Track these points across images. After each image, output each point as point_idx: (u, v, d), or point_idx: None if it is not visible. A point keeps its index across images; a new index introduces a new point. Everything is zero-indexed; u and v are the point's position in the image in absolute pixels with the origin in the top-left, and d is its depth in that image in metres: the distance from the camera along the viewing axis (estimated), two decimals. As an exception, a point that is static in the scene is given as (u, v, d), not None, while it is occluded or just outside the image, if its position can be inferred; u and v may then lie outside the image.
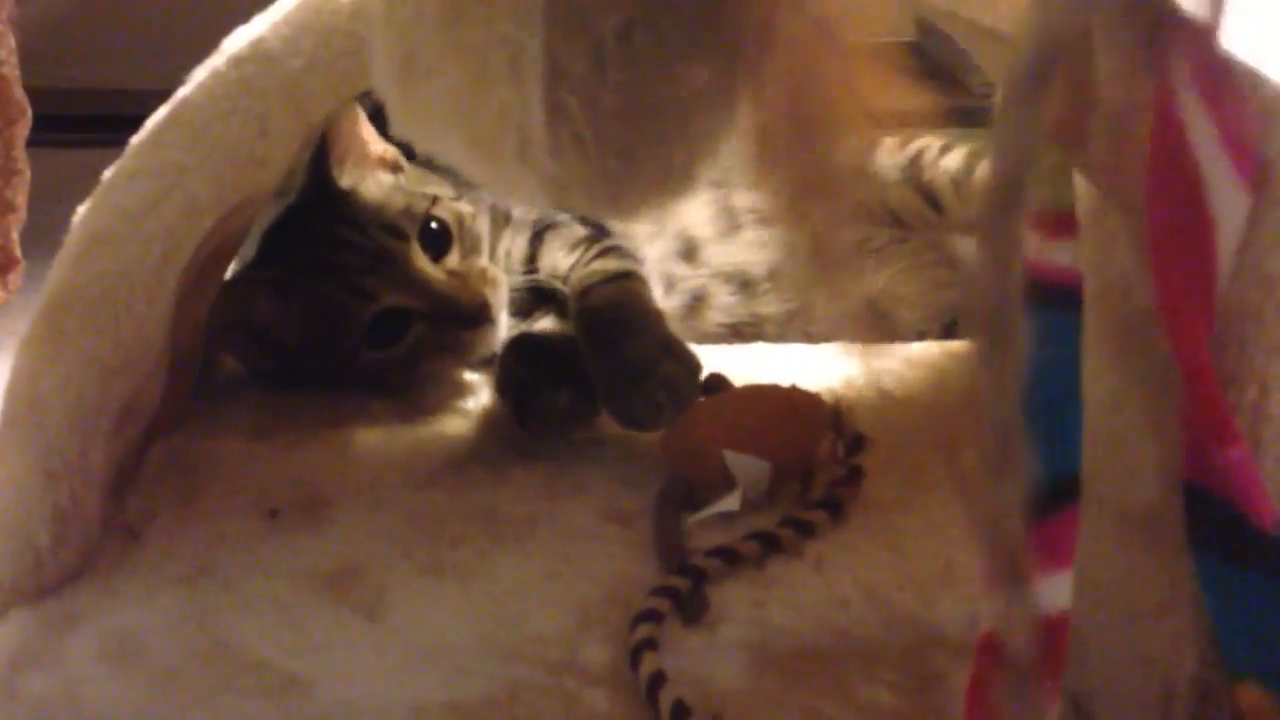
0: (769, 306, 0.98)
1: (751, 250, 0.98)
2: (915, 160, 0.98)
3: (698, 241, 0.98)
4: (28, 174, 1.13)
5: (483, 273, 0.83)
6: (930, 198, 0.97)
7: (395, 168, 0.88)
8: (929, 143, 0.99)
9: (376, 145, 0.88)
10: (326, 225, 0.80)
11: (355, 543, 0.65)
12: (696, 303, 0.96)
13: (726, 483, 0.67)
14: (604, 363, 0.75)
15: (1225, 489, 0.43)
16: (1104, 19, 0.40)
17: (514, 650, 0.56)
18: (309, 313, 0.80)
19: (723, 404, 0.73)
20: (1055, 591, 0.40)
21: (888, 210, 0.99)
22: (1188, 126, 0.41)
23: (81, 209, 0.55)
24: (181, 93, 0.53)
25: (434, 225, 0.82)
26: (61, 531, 0.58)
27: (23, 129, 1.13)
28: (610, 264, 0.87)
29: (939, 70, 1.46)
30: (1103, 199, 0.46)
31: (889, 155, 0.99)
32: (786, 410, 0.71)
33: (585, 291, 0.83)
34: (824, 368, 0.89)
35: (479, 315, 0.80)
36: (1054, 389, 0.42)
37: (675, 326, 0.90)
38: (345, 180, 0.83)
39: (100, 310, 0.55)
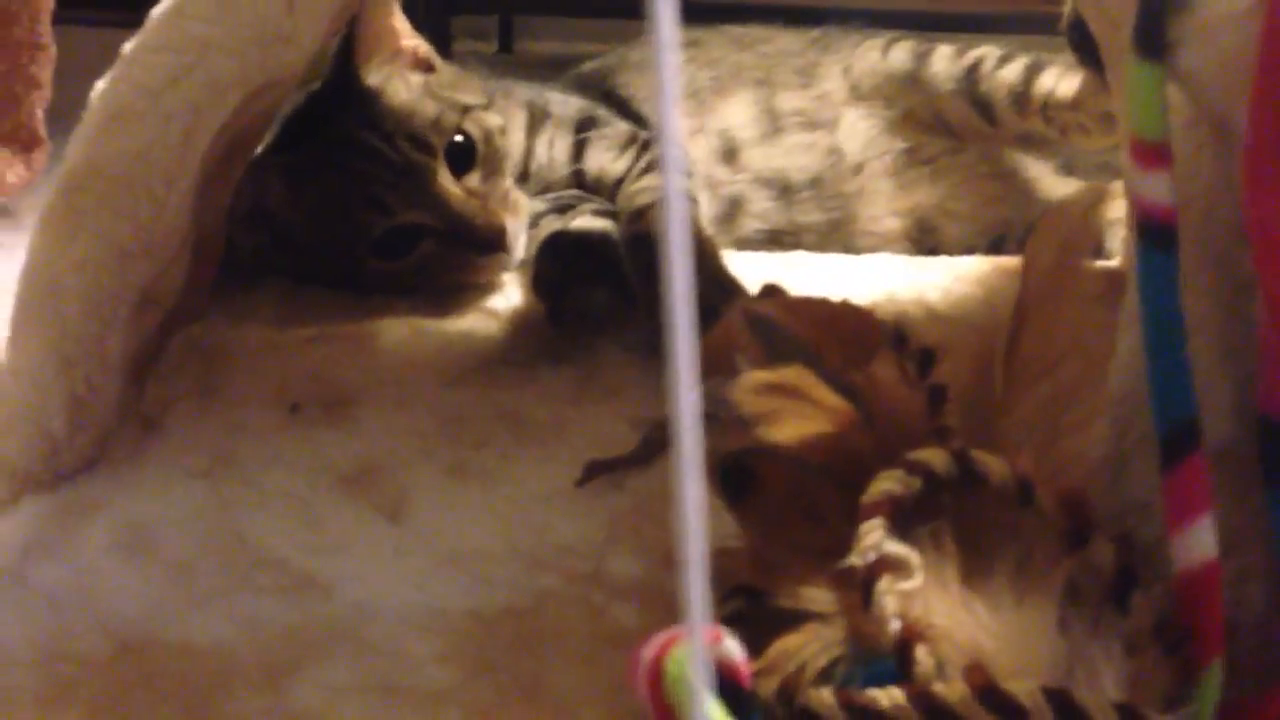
0: (810, 215, 0.95)
1: (793, 155, 0.95)
2: (973, 70, 0.94)
3: (738, 143, 0.94)
4: (53, 50, 1.09)
5: (505, 196, 0.80)
6: (985, 109, 0.94)
7: (428, 66, 0.84)
8: (988, 52, 0.95)
9: (409, 40, 0.84)
10: (349, 126, 0.77)
11: (378, 441, 0.63)
12: (734, 209, 0.93)
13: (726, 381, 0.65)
14: (656, 297, 0.73)
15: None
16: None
17: (539, 559, 0.54)
18: (320, 212, 0.78)
19: (762, 309, 0.70)
20: (1197, 541, 0.38)
21: (940, 119, 0.96)
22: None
23: (100, 84, 0.52)
24: (204, -39, 0.50)
25: (460, 138, 0.79)
26: (77, 419, 0.56)
27: (48, 2, 1.10)
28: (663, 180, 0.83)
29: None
30: (1194, 110, 0.42)
31: (946, 63, 0.95)
32: (828, 320, 0.68)
33: (638, 214, 0.80)
34: (867, 280, 0.86)
35: (494, 242, 0.78)
36: (1162, 331, 0.39)
37: (712, 231, 0.87)
38: (372, 77, 0.79)
39: (118, 191, 0.52)
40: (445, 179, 0.78)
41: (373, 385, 0.68)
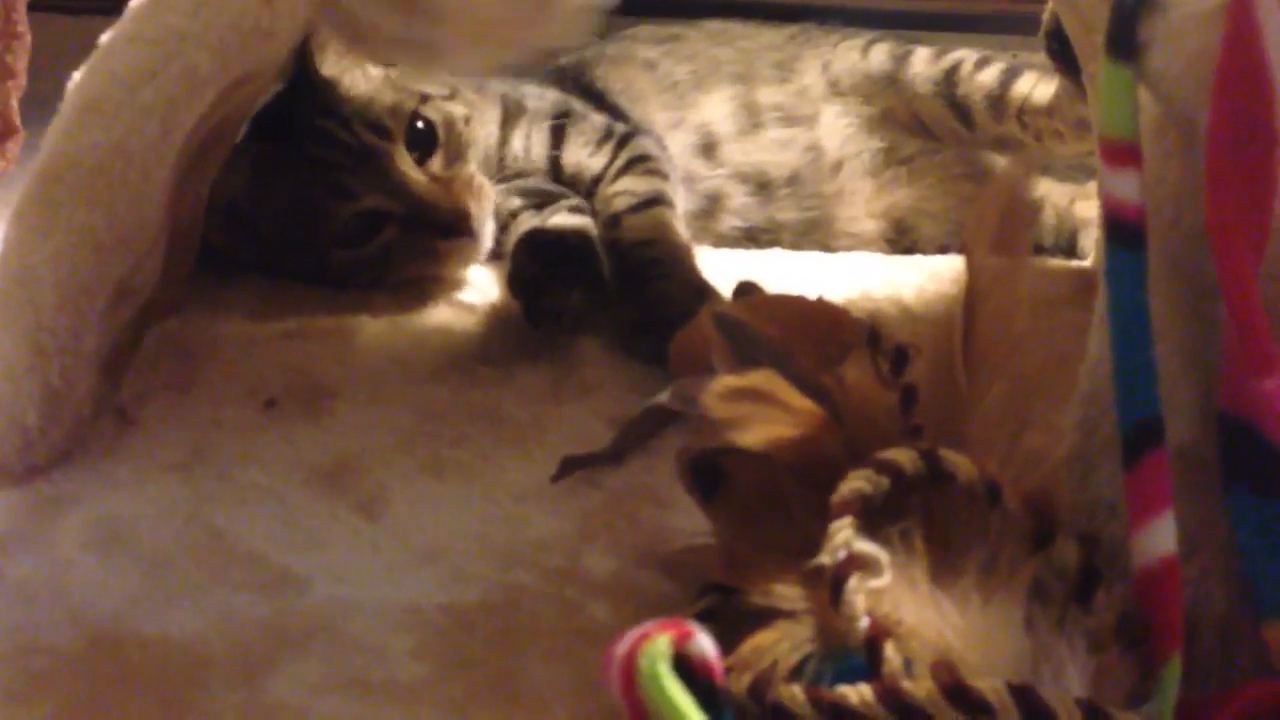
0: (788, 213, 0.95)
1: (772, 151, 0.96)
2: (951, 73, 0.95)
3: (718, 138, 0.95)
4: (28, 38, 1.08)
5: (469, 181, 0.80)
6: (963, 112, 0.95)
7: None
8: (966, 55, 0.96)
9: None
10: (309, 115, 0.78)
11: (354, 437, 0.63)
12: (713, 205, 0.94)
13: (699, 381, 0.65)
14: (633, 302, 0.74)
15: (1262, 421, 0.41)
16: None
17: (514, 555, 0.55)
18: (285, 203, 0.78)
19: (736, 308, 0.71)
20: (1157, 538, 0.39)
21: (917, 120, 0.97)
22: (1264, 35, 0.38)
23: (77, 75, 0.52)
24: (185, -46, 0.50)
25: (420, 125, 0.79)
26: (52, 411, 0.56)
27: (23, -5, 1.09)
28: (640, 184, 0.84)
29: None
30: (1163, 114, 0.43)
31: (924, 65, 0.96)
32: (801, 320, 0.68)
33: (615, 220, 0.81)
34: (842, 278, 0.86)
35: (457, 225, 0.78)
36: (1126, 329, 0.40)
37: (690, 227, 0.88)
38: (332, 68, 0.79)
39: (94, 182, 0.52)
40: (405, 163, 0.78)
41: (350, 381, 0.69)
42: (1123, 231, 0.41)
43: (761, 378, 0.46)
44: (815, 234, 0.95)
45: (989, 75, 0.94)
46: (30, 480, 0.56)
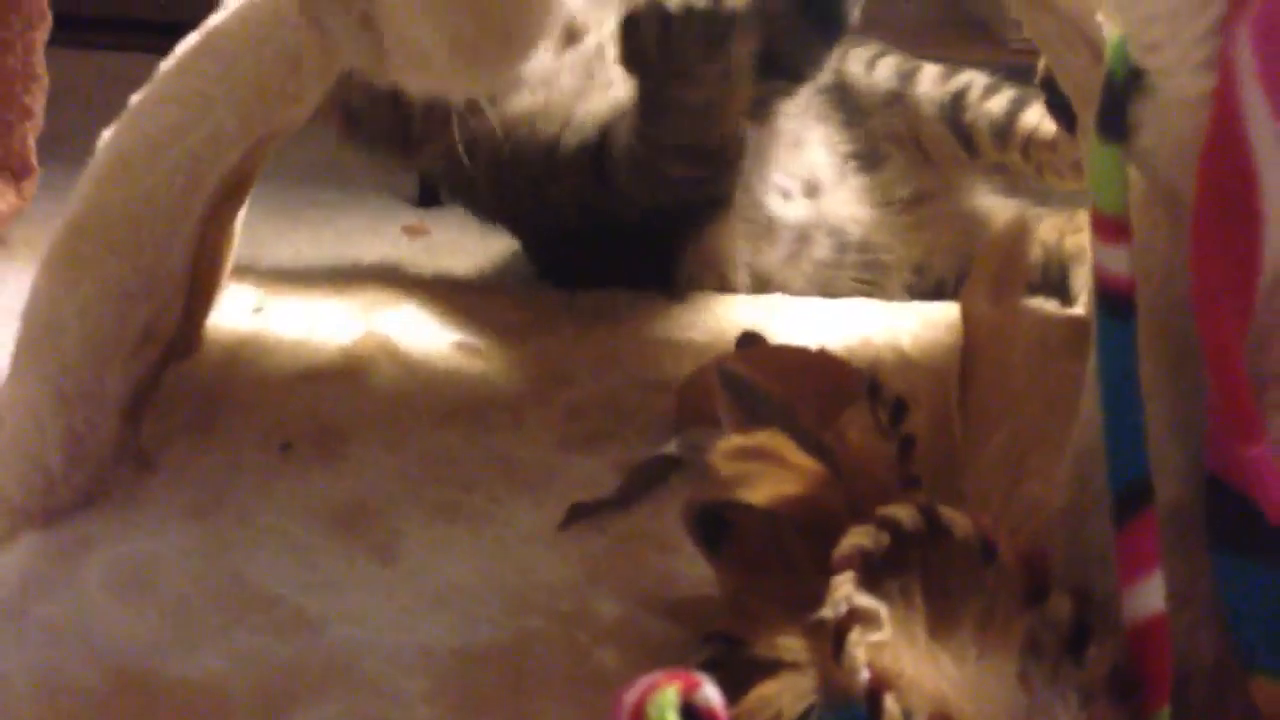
0: (847, 279, 0.95)
1: (851, 205, 0.94)
2: (959, 98, 0.94)
3: (820, 181, 0.94)
4: (46, 80, 1.11)
5: None
6: (967, 139, 0.94)
7: None
8: (974, 79, 0.95)
9: None
10: None
11: (368, 481, 0.65)
12: (800, 246, 0.93)
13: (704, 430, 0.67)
14: None
15: (1245, 485, 0.43)
16: (1171, 6, 0.39)
17: (524, 600, 0.56)
18: None
19: (738, 359, 0.73)
20: (1147, 596, 0.41)
21: (916, 141, 0.95)
22: (1248, 119, 0.40)
23: (107, 133, 0.54)
24: (214, 20, 0.52)
25: None
26: (74, 455, 0.58)
27: (43, 34, 1.12)
28: None
29: (972, 21, 1.43)
30: (1150, 186, 0.45)
31: (932, 85, 0.95)
32: (803, 372, 0.70)
33: None
34: (842, 324, 0.88)
35: None
36: (1116, 395, 0.42)
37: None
38: None
39: (122, 236, 0.54)
40: None
41: (363, 424, 0.70)
42: (1113, 303, 0.43)
43: (766, 437, 0.48)
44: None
45: (997, 103, 0.94)
46: (52, 523, 0.58)
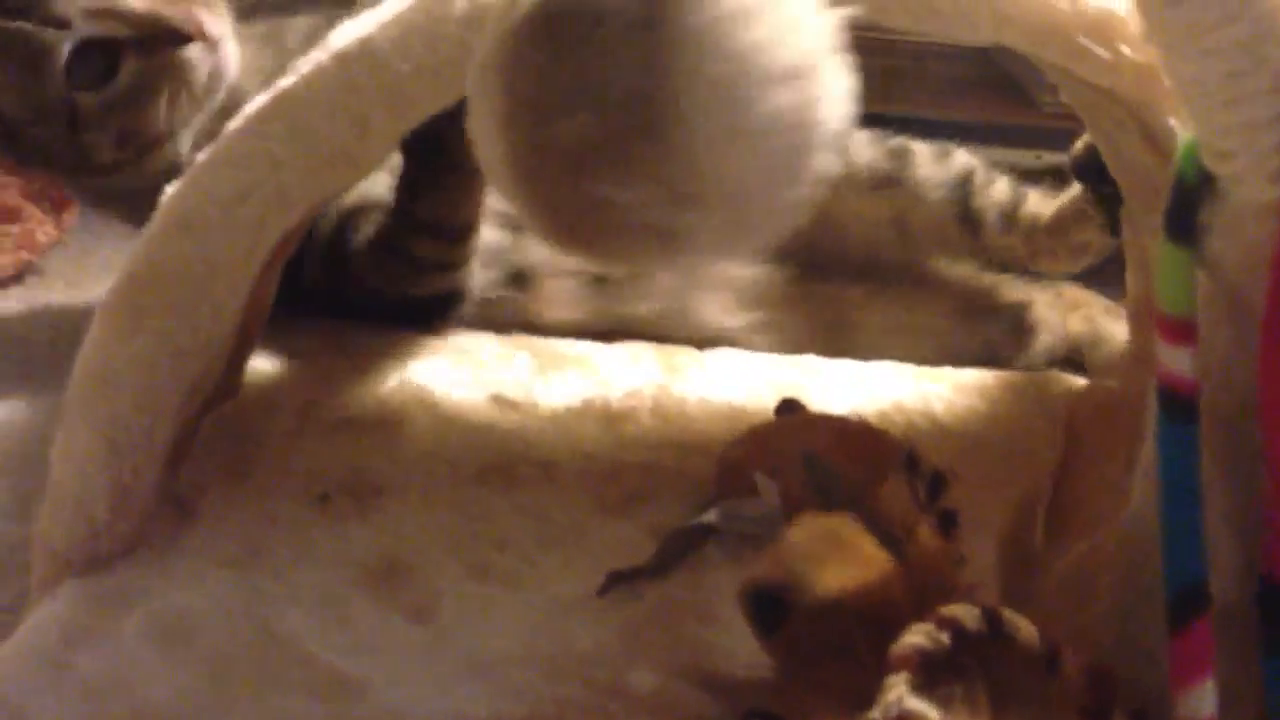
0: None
1: None
2: (964, 182, 0.94)
3: None
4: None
5: None
6: (973, 224, 0.93)
7: None
8: (970, 162, 0.95)
9: None
10: None
11: (404, 537, 0.65)
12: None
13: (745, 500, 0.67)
14: None
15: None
16: (1246, 118, 0.39)
17: (560, 668, 0.56)
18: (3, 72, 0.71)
19: (776, 428, 0.73)
20: (1200, 702, 0.41)
21: (901, 222, 0.94)
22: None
23: (170, 189, 0.55)
24: (284, 84, 0.53)
25: None
26: (120, 505, 0.58)
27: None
28: None
29: (1005, 82, 1.43)
30: (1214, 287, 0.45)
31: (932, 168, 0.94)
32: (839, 442, 0.70)
33: None
34: (873, 388, 0.88)
35: (189, 36, 0.71)
36: (1176, 497, 0.42)
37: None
38: None
39: (181, 294, 0.54)
40: None
41: (399, 477, 0.70)
42: (1176, 405, 0.43)
43: (839, 522, 0.48)
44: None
45: (1000, 190, 0.94)
46: (94, 571, 0.58)
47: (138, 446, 0.57)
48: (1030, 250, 0.93)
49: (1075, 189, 0.90)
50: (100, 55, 0.72)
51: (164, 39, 0.72)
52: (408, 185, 0.78)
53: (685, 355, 0.91)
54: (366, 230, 0.82)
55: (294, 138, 0.52)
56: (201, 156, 0.54)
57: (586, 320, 0.90)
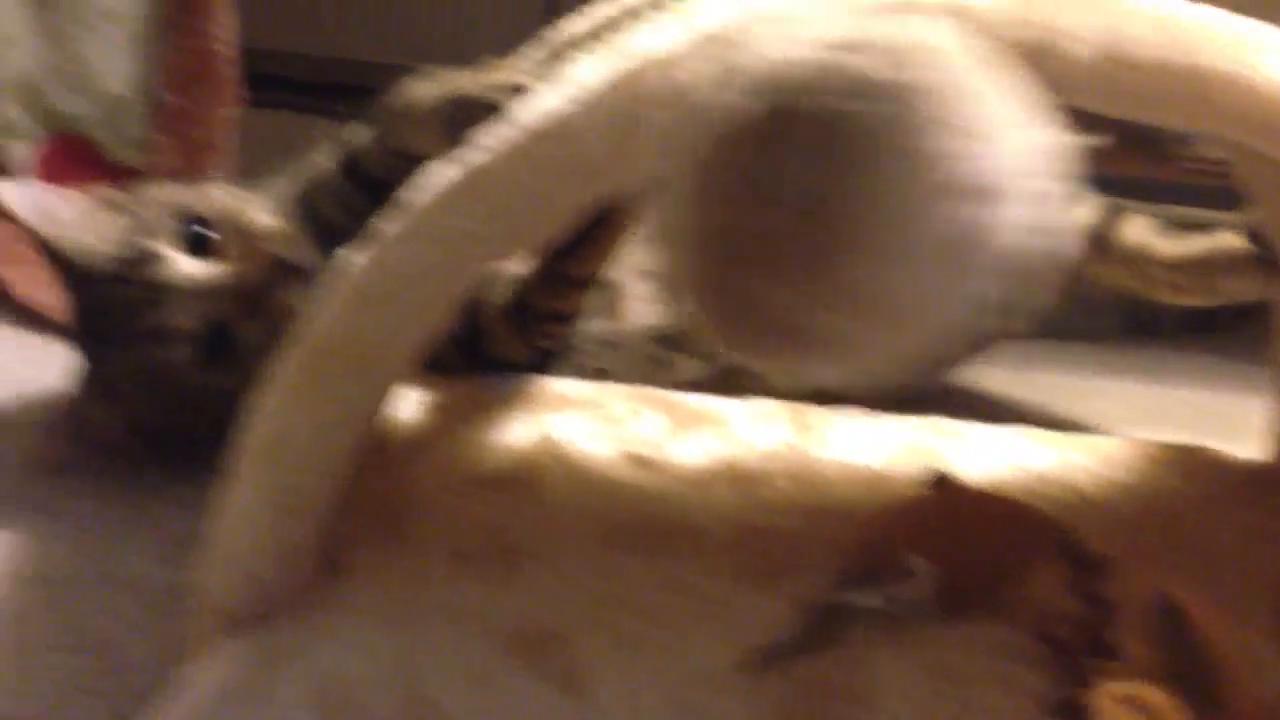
0: None
1: None
2: None
3: None
4: (234, 156, 1.15)
5: (261, 235, 0.80)
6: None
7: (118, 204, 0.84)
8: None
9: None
10: (95, 306, 0.79)
11: (548, 602, 0.65)
12: None
13: (902, 580, 0.66)
14: None
15: None
16: None
17: (716, 751, 0.55)
18: (144, 394, 0.79)
19: (929, 503, 0.72)
20: None
21: None
22: None
23: (357, 259, 0.55)
24: (473, 160, 0.53)
25: (194, 226, 0.80)
26: (286, 566, 0.59)
27: (232, 109, 1.16)
28: None
29: (1138, 136, 1.40)
30: None
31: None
32: (996, 523, 0.69)
33: None
34: (1011, 455, 0.86)
35: (280, 279, 0.78)
36: None
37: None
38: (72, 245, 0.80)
39: (363, 364, 0.55)
40: (187, 266, 0.77)
41: (539, 537, 0.70)
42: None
43: (1156, 696, 0.47)
44: None
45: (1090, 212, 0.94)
46: (255, 629, 0.59)
47: (308, 510, 0.58)
48: (1143, 279, 0.90)
49: (1228, 238, 0.89)
50: (219, 337, 0.78)
51: (258, 296, 0.78)
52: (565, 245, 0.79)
53: (817, 415, 0.90)
54: (500, 289, 0.84)
55: (485, 213, 0.53)
56: (389, 229, 0.54)
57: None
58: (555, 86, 0.54)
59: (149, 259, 0.78)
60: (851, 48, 0.39)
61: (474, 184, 0.52)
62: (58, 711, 0.62)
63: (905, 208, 0.39)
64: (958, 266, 0.40)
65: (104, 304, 0.77)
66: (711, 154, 0.41)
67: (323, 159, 0.89)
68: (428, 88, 0.73)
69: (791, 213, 0.39)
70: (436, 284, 0.53)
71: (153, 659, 0.64)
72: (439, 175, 0.54)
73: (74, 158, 1.16)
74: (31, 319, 1.04)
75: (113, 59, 1.16)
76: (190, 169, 1.17)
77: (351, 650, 0.58)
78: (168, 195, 0.83)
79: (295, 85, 1.58)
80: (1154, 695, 0.46)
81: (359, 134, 0.87)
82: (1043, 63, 0.51)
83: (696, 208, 0.41)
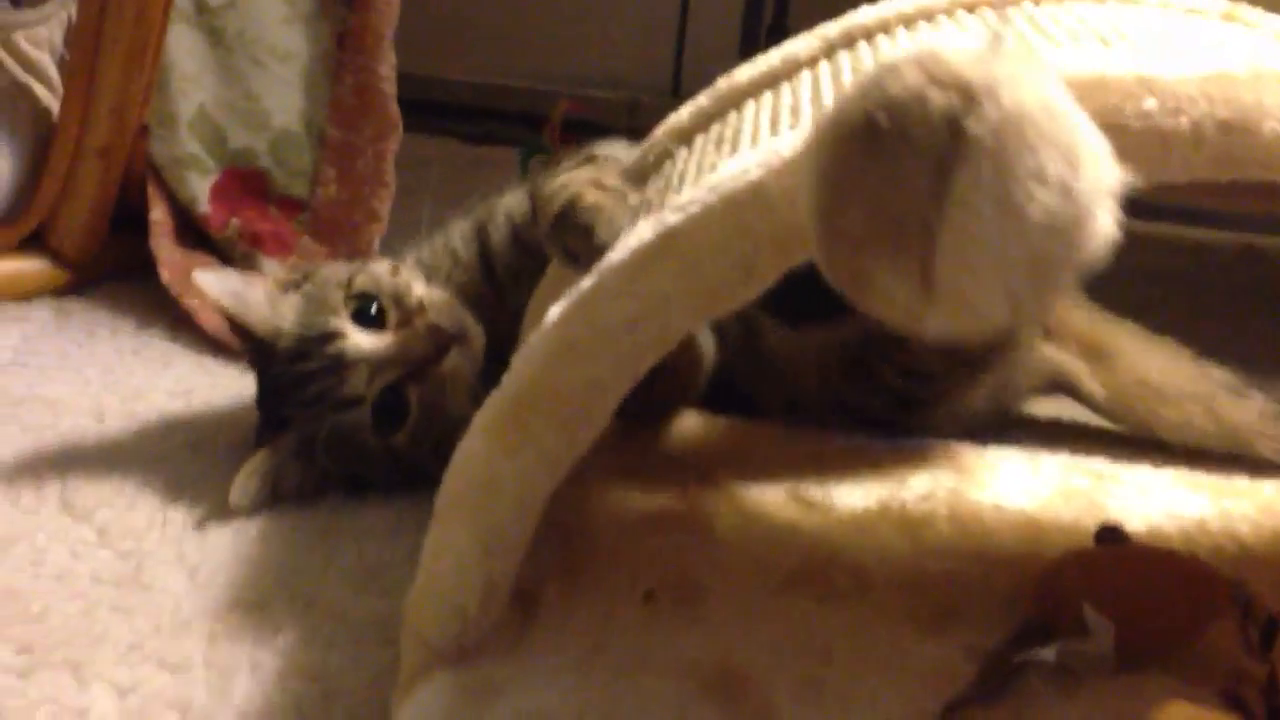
0: None
1: None
2: None
3: None
4: (393, 187, 1.20)
5: (419, 306, 0.87)
6: None
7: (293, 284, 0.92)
8: None
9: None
10: (282, 376, 0.87)
11: (732, 643, 0.67)
12: None
13: (1081, 635, 0.66)
14: None
15: None
16: None
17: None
18: (330, 453, 0.86)
19: (1103, 557, 0.72)
20: None
21: None
22: None
23: (554, 312, 0.58)
24: (671, 221, 0.56)
25: (362, 303, 0.87)
26: (487, 602, 0.62)
27: (394, 143, 1.21)
28: None
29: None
30: None
31: None
32: (1169, 581, 0.69)
33: None
34: (1170, 503, 0.86)
35: (442, 346, 0.86)
36: None
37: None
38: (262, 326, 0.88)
39: (565, 414, 0.58)
40: (362, 338, 0.86)
41: (715, 577, 0.73)
42: None
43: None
44: None
45: None
46: (460, 663, 0.62)
47: (509, 549, 0.61)
48: None
49: None
50: (392, 400, 0.86)
51: (425, 363, 0.86)
52: None
53: (973, 455, 0.91)
54: None
55: (682, 275, 0.55)
56: (585, 284, 0.57)
57: None
58: (753, 152, 0.57)
59: (330, 336, 0.86)
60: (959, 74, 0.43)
61: (670, 246, 0.54)
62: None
63: (987, 239, 0.44)
64: (1037, 281, 0.44)
65: (292, 377, 0.86)
66: (832, 158, 0.46)
67: (503, 202, 0.95)
68: (560, 184, 0.78)
69: (892, 224, 0.44)
70: (635, 339, 0.55)
71: (364, 686, 0.68)
72: (635, 234, 0.57)
73: (245, 189, 1.22)
74: (213, 345, 1.10)
75: (283, 95, 1.22)
76: (353, 199, 1.22)
77: (553, 688, 0.61)
78: (335, 272, 0.91)
79: (450, 110, 1.63)
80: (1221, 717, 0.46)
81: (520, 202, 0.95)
82: (1233, 139, 0.52)
83: (820, 201, 0.47)
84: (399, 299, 0.88)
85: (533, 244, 0.87)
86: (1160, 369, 1.02)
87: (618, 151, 0.84)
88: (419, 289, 0.89)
